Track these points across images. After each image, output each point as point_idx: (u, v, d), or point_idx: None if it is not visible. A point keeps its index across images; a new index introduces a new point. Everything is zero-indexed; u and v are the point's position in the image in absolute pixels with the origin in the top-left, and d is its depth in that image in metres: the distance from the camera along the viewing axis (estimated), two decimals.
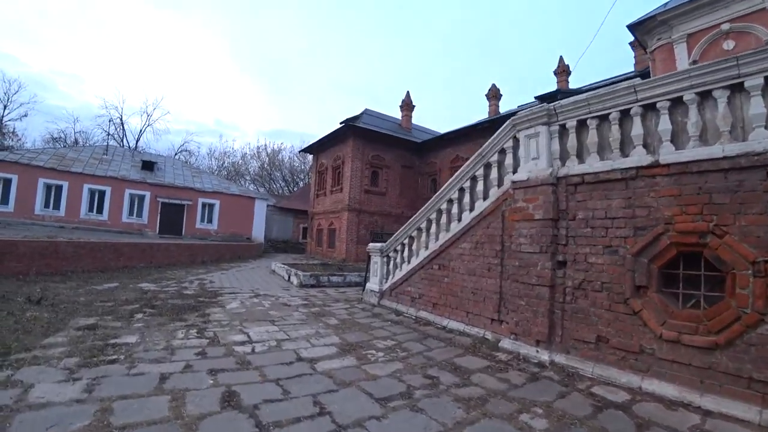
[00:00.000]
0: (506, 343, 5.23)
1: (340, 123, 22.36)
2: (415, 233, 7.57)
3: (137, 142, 39.06)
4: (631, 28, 12.00)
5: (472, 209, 6.41)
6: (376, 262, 8.33)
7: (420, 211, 7.43)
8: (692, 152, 4.02)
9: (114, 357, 4.00)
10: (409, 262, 7.60)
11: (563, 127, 5.20)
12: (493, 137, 6.18)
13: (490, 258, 5.89)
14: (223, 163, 46.53)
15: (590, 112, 4.90)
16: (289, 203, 35.36)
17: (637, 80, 4.61)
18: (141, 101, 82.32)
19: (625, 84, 4.64)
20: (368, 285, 8.53)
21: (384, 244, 8.21)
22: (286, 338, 5.20)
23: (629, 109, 4.55)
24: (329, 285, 11.35)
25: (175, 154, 39.57)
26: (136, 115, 64.73)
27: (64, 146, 28.70)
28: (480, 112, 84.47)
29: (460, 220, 6.62)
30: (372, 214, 21.54)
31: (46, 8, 68.04)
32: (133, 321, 5.64)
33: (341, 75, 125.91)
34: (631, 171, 4.46)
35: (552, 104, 5.27)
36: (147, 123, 40.71)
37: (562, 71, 22.06)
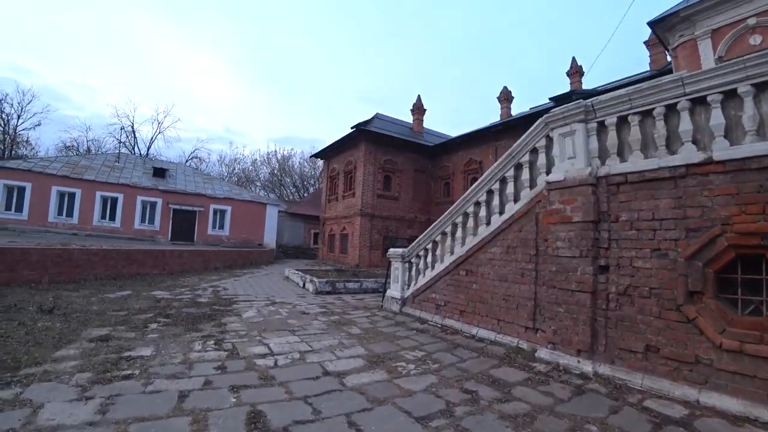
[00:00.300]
0: (543, 353, 4.90)
1: (351, 128, 22.17)
2: (439, 238, 7.24)
3: (148, 149, 39.45)
4: (652, 25, 11.59)
5: (501, 212, 6.09)
6: (397, 268, 8.01)
7: (445, 214, 7.11)
8: (750, 147, 3.70)
9: (128, 372, 3.73)
10: (433, 268, 7.27)
11: (601, 124, 4.92)
12: (523, 137, 5.87)
13: (523, 263, 5.57)
14: (234, 169, 46.84)
15: (632, 108, 4.60)
16: (300, 209, 35.26)
17: (684, 73, 4.31)
18: (152, 109, 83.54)
19: (670, 77, 4.34)
20: (389, 292, 8.21)
21: (405, 250, 7.89)
22: (309, 350, 4.90)
23: (675, 104, 4.24)
24: (345, 291, 11.04)
25: (186, 161, 39.87)
26: (147, 124, 65.53)
27: (77, 154, 28.95)
28: (489, 116, 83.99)
29: (488, 223, 6.30)
30: (385, 218, 21.26)
31: (58, 20, 69.43)
32: (148, 331, 5.39)
33: (349, 81, 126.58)
34: (680, 169, 4.14)
35: (589, 100, 4.97)
36: (158, 131, 41.13)
37: (575, 72, 21.68)
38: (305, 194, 47.44)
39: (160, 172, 22.48)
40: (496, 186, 6.25)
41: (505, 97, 25.33)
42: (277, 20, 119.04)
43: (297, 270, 13.90)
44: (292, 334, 5.68)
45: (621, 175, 4.57)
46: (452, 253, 6.85)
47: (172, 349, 4.60)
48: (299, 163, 48.93)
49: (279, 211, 27.28)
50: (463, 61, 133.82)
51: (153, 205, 20.63)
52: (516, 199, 5.90)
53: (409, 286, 7.84)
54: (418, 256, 7.71)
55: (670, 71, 13.70)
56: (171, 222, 20.87)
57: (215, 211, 22.62)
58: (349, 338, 5.64)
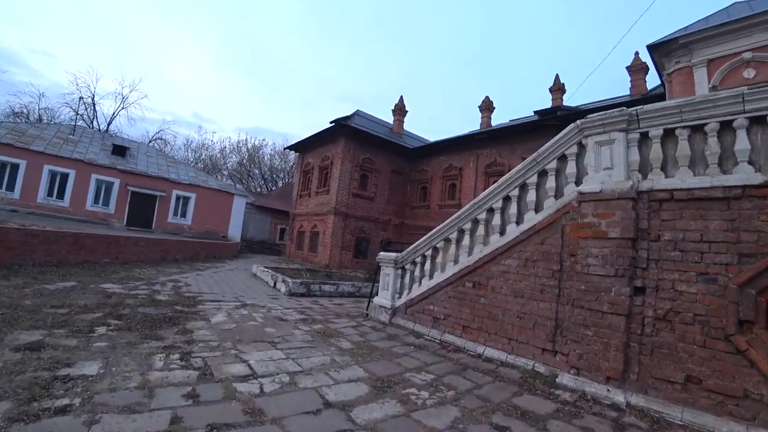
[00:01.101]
0: (566, 378, 4.40)
1: (331, 122, 21.21)
2: (441, 244, 6.56)
3: (109, 125, 35.96)
4: (650, 48, 11.62)
5: (519, 221, 5.52)
6: (388, 274, 7.25)
7: (449, 220, 6.45)
8: None
9: (65, 401, 2.74)
10: (431, 277, 6.58)
11: (644, 135, 4.53)
12: (551, 142, 5.34)
13: (543, 278, 5.00)
14: (200, 155, 43.85)
15: (682, 121, 4.22)
16: (268, 202, 33.64)
17: (743, 89, 3.93)
18: (116, 83, 76.61)
19: (729, 92, 4.02)
20: (376, 299, 7.43)
21: (399, 254, 7.15)
22: (299, 369, 4.04)
23: (731, 121, 3.88)
24: (321, 294, 10.15)
25: (150, 141, 36.82)
26: (110, 98, 60.32)
27: (26, 122, 25.86)
28: (465, 126, 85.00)
29: (503, 233, 5.69)
30: (359, 219, 20.41)
31: None
32: (94, 338, 4.32)
33: (327, 80, 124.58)
34: (735, 190, 3.77)
35: (633, 109, 4.57)
36: (121, 106, 37.66)
37: (557, 89, 21.84)
38: (273, 187, 45.56)
39: (120, 150, 20.39)
40: (515, 193, 5.67)
41: (487, 107, 25.25)
42: (260, 10, 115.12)
43: (266, 268, 12.80)
44: (274, 348, 4.77)
45: (666, 192, 4.14)
46: (456, 262, 6.20)
47: (125, 365, 3.60)
48: (270, 155, 46.93)
49: (246, 203, 25.73)
50: (441, 70, 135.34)
51: (109, 185, 18.62)
52: (538, 209, 5.36)
53: (401, 294, 7.10)
54: (413, 263, 7.00)
55: (657, 96, 13.88)
56: (128, 205, 18.93)
57: (178, 198, 20.86)
58: (341, 354, 4.81)
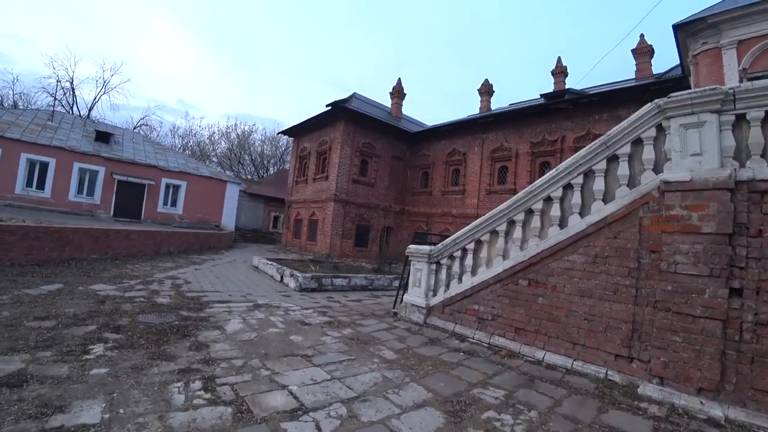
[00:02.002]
0: (648, 389, 3.84)
1: (327, 105, 20.15)
2: (486, 237, 5.83)
3: (90, 111, 33.94)
4: (676, 28, 10.92)
5: (584, 213, 4.82)
6: (420, 269, 6.52)
7: (497, 210, 5.72)
8: None
9: None
10: (474, 273, 5.88)
11: (740, 117, 3.84)
12: (625, 123, 4.65)
13: (617, 277, 4.36)
14: (188, 142, 41.95)
15: None
16: (261, 189, 32.50)
17: None
18: (97, 66, 72.22)
19: None
20: (407, 297, 6.70)
21: (433, 248, 6.41)
22: (353, 395, 3.31)
23: None
24: (332, 289, 9.42)
25: (134, 127, 34.96)
26: (90, 83, 56.76)
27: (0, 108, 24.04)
28: (458, 112, 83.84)
29: (563, 225, 5.00)
30: (359, 206, 19.60)
31: None
32: (90, 361, 3.51)
33: (316, 65, 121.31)
34: None
35: (728, 88, 3.87)
36: (103, 90, 35.55)
37: (560, 72, 21.06)
38: (264, 174, 44.21)
39: (103, 137, 18.99)
40: (578, 180, 4.96)
41: (486, 90, 24.42)
42: None
43: (269, 260, 11.97)
44: (310, 363, 4.03)
45: None
46: (506, 257, 5.51)
47: (136, 402, 2.81)
48: (261, 140, 45.29)
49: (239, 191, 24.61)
50: (432, 55, 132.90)
51: (94, 174, 17.33)
52: (607, 199, 4.68)
53: (435, 292, 6.39)
54: (451, 257, 6.27)
55: (674, 79, 13.24)
56: (115, 195, 17.71)
57: (168, 186, 19.68)
58: (389, 367, 4.11)
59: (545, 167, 16.30)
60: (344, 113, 18.74)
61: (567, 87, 20.33)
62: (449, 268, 6.33)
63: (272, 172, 43.41)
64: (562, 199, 5.18)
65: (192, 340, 4.42)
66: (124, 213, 17.86)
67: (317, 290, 9.08)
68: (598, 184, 4.77)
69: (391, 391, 3.49)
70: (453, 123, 20.11)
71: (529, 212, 5.49)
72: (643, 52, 17.59)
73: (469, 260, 6.03)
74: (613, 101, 14.42)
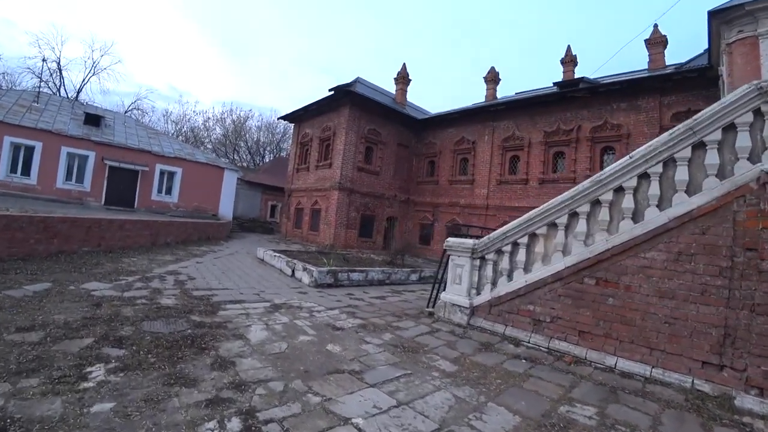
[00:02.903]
0: (747, 401, 3.37)
1: (330, 90, 19.12)
2: (543, 230, 5.10)
3: (78, 94, 32.17)
4: (711, 14, 10.20)
5: (664, 205, 4.15)
6: (461, 265, 5.76)
7: (556, 200, 4.99)
8: None
9: None
10: (528, 269, 5.18)
11: None
12: (716, 107, 4.00)
13: (705, 277, 3.76)
14: (182, 127, 40.16)
15: None
16: (258, 177, 31.35)
17: None
18: (85, 46, 67.82)
19: None
20: (445, 295, 5.95)
21: (478, 241, 5.66)
22: (434, 427, 2.64)
23: None
24: (349, 284, 8.65)
25: (126, 111, 33.25)
26: (78, 65, 53.79)
27: None
28: (454, 101, 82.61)
29: (638, 218, 4.32)
30: (363, 195, 18.75)
31: None
32: (89, 391, 2.70)
33: (309, 52, 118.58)
34: None
35: None
36: (92, 72, 33.66)
37: (569, 61, 20.22)
38: (260, 162, 42.90)
39: (93, 120, 17.69)
40: (657, 169, 4.27)
41: (492, 78, 23.46)
42: None
43: (275, 252, 11.13)
44: (363, 382, 3.29)
45: None
46: (568, 252, 4.80)
47: None
48: (257, 126, 43.72)
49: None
50: (430, 43, 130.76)
51: (83, 159, 16.12)
52: (691, 190, 4.03)
53: (479, 290, 5.66)
54: (499, 252, 5.52)
55: (697, 69, 12.53)
56: (106, 182, 16.54)
57: (162, 173, 18.54)
58: (454, 383, 3.47)
59: (559, 157, 15.62)
60: (349, 98, 17.75)
61: (576, 76, 19.54)
62: (496, 264, 5.59)
63: (268, 159, 42.14)
64: (636, 190, 4.48)
65: (212, 355, 3.62)
66: (116, 201, 16.76)
67: (333, 286, 8.31)
68: (681, 173, 4.15)
69: (472, 416, 2.82)
70: (462, 110, 19.23)
71: (596, 203, 4.77)
72: (657, 42, 16.80)
73: (521, 255, 5.30)
74: (632, 91, 13.72)
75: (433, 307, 6.29)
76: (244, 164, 40.91)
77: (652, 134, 13.26)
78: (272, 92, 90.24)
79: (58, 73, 31.21)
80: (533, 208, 5.34)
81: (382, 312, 6.17)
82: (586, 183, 4.81)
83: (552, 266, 4.91)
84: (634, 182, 4.42)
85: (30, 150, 15.26)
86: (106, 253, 9.14)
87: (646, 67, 17.20)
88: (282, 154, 42.24)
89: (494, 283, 5.52)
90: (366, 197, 18.86)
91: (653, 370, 3.99)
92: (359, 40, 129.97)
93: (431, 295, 6.50)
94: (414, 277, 10.45)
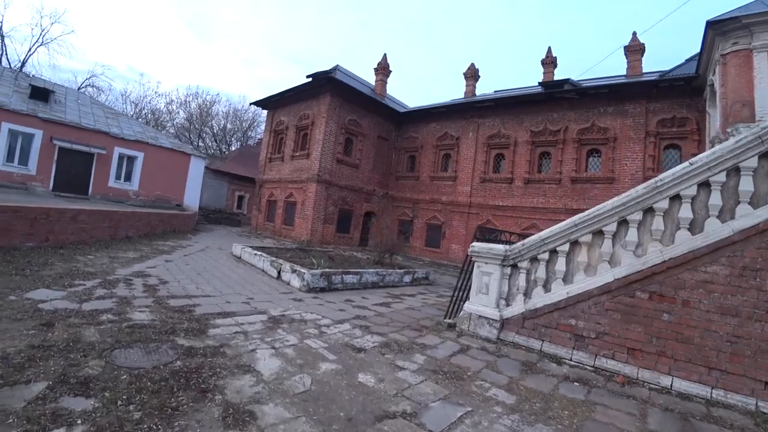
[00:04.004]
0: None
1: (308, 76, 17.93)
2: (587, 238, 4.50)
3: (23, 65, 28.44)
4: (709, 24, 10.20)
5: (725, 216, 3.80)
6: (490, 273, 5.06)
7: (602, 207, 4.44)
8: None
9: None
10: (568, 280, 4.58)
11: None
12: None
13: None
14: (142, 109, 36.59)
15: None
16: (225, 166, 29.30)
17: None
18: (33, 12, 59.89)
19: None
20: (470, 306, 5.23)
21: (511, 247, 4.97)
22: None
23: None
24: (343, 287, 7.78)
25: (79, 88, 29.80)
26: (24, 31, 47.16)
27: None
28: (426, 98, 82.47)
29: (696, 229, 3.85)
30: (342, 188, 17.76)
31: None
32: None
33: (276, 38, 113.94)
34: None
35: None
36: (40, 41, 29.78)
37: (550, 62, 20.17)
38: (227, 150, 40.40)
39: (41, 94, 15.32)
40: (719, 178, 3.83)
41: (472, 75, 23.07)
42: None
43: (255, 249, 9.99)
44: (424, 430, 2.50)
45: None
46: (616, 263, 4.26)
47: None
48: (224, 112, 40.95)
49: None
50: (401, 39, 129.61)
51: (28, 138, 13.89)
52: (756, 202, 3.73)
53: (508, 302, 5.00)
54: (534, 260, 4.87)
55: (689, 78, 12.58)
56: (55, 165, 14.39)
57: (121, 157, 16.53)
58: (524, 420, 2.90)
59: (545, 157, 15.41)
60: (330, 85, 16.62)
61: (555, 78, 19.51)
62: (529, 272, 4.94)
63: (235, 147, 39.75)
64: (693, 199, 3.98)
65: (219, 401, 2.68)
66: (67, 187, 14.70)
67: (326, 290, 7.40)
68: (745, 184, 3.76)
69: None
70: (447, 105, 18.64)
71: (649, 211, 4.22)
72: (635, 50, 16.98)
73: (560, 265, 4.70)
74: (619, 95, 13.69)
75: (452, 317, 5.58)
76: (210, 152, 38.30)
77: (638, 139, 13.31)
78: (237, 79, 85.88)
79: (0, 40, 27.40)
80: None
81: (397, 324, 5.38)
82: (639, 189, 4.26)
83: (598, 278, 4.36)
84: (693, 191, 3.97)
85: None
86: (56, 249, 7.66)
87: (625, 73, 17.41)
88: (249, 142, 40.00)
89: (527, 294, 4.90)
90: (344, 191, 17.88)
91: (713, 391, 3.66)
92: (331, 31, 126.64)
93: (450, 305, 5.77)
94: (407, 278, 9.71)
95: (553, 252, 4.78)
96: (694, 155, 12.59)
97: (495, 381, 3.67)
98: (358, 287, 8.13)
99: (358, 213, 18.83)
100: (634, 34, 17.34)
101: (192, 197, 19.63)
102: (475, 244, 5.27)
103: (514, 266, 5.02)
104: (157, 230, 13.11)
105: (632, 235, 4.29)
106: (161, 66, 72.72)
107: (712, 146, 10.31)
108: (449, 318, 5.62)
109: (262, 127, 41.78)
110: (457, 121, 17.76)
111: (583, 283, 4.44)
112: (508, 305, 5.00)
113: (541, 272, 4.82)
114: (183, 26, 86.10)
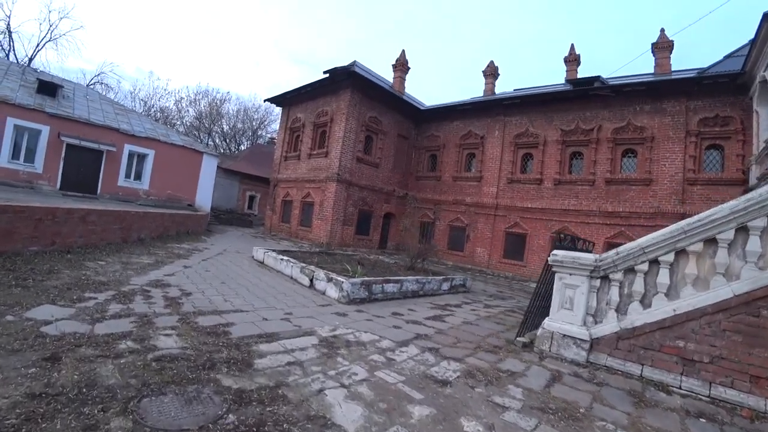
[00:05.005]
0: None
1: (324, 72, 17.03)
2: (697, 247, 3.62)
3: (31, 61, 27.70)
4: (766, 16, 9.25)
5: None
6: (575, 285, 4.18)
7: (712, 212, 3.62)
8: None
9: None
10: (672, 295, 3.70)
11: None
12: None
13: None
14: (151, 107, 35.89)
15: None
16: (236, 165, 28.49)
17: None
18: (42, 6, 59.07)
19: None
20: (551, 323, 4.34)
21: (602, 256, 4.07)
22: None
23: None
24: (384, 297, 6.89)
25: (88, 85, 29.07)
26: (33, 27, 46.33)
27: None
28: (440, 97, 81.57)
29: None
30: (362, 188, 16.88)
31: None
32: None
33: (281, 38, 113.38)
34: None
35: None
36: (48, 36, 29.13)
37: (573, 60, 19.29)
38: (237, 149, 39.62)
39: (48, 89, 14.55)
40: None
41: (491, 72, 22.10)
42: None
43: (280, 254, 9.11)
44: None
45: None
46: (734, 276, 3.40)
47: None
48: (235, 111, 40.12)
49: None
50: (414, 35, 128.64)
51: (35, 134, 13.11)
52: None
53: (597, 319, 4.10)
54: (630, 271, 3.98)
55: (734, 75, 11.59)
56: (63, 163, 13.59)
57: (132, 155, 15.73)
58: None
59: (576, 157, 14.46)
60: (351, 81, 15.76)
61: (579, 75, 18.55)
62: (622, 285, 4.03)
63: (245, 147, 38.96)
64: None
65: None
66: (75, 186, 13.90)
67: (367, 300, 6.50)
68: None
69: None
70: (471, 102, 17.72)
71: None
72: (663, 47, 15.98)
73: (662, 277, 3.82)
74: (657, 93, 12.71)
75: (524, 335, 4.66)
76: (221, 150, 37.51)
77: (678, 138, 12.32)
78: (245, 80, 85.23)
79: (8, 35, 26.72)
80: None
81: (466, 345, 4.48)
82: (763, 191, 3.35)
83: (712, 293, 3.58)
84: None
85: None
86: (63, 253, 6.80)
87: (652, 71, 16.40)
88: (259, 141, 39.20)
89: (622, 311, 4.01)
90: (364, 191, 16.99)
91: None
92: (337, 31, 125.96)
93: (524, 321, 4.84)
94: (446, 286, 8.80)
95: (653, 262, 3.88)
96: (739, 156, 11.84)
97: (615, 420, 2.95)
98: (398, 297, 7.22)
99: (378, 214, 17.93)
100: (662, 30, 16.36)
101: (204, 197, 18.82)
102: (556, 252, 4.36)
103: (604, 278, 4.12)
104: (170, 232, 12.26)
105: (754, 244, 3.45)
106: (170, 66, 72.13)
107: (767, 146, 9.34)
108: (522, 336, 4.70)
109: (272, 126, 41.10)
110: (482, 119, 16.83)
111: (693, 299, 3.60)
112: (596, 323, 4.11)
113: (638, 285, 3.96)
114: (192, 27, 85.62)
